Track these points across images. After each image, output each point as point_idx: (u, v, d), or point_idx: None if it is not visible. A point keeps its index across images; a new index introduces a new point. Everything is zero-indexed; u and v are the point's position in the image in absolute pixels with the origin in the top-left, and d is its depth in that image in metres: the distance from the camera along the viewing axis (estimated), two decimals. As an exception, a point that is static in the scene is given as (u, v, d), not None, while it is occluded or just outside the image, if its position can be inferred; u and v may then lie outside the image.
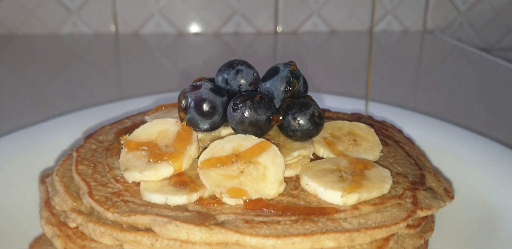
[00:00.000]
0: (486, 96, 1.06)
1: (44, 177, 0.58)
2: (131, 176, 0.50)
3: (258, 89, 0.56)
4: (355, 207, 0.47)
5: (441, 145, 0.68)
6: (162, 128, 0.55)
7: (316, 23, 1.52)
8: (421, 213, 0.48)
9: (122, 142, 0.54)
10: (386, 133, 0.65)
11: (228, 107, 0.53)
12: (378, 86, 1.07)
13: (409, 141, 0.66)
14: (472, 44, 1.55)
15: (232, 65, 0.56)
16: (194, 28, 1.50)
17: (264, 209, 0.46)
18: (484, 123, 0.82)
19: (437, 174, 0.59)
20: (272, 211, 0.46)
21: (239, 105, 0.51)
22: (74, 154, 0.56)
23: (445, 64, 1.34)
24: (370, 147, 0.56)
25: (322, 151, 0.55)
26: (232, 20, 1.49)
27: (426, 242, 0.52)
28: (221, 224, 0.44)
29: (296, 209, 0.46)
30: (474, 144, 0.67)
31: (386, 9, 1.53)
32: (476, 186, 0.60)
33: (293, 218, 0.45)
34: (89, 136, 0.61)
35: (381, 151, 0.57)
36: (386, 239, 0.45)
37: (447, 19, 1.56)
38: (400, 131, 0.68)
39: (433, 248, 0.52)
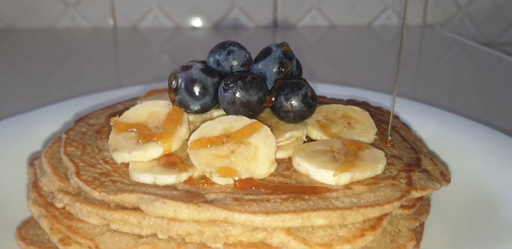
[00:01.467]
0: (486, 91, 1.05)
1: (33, 159, 0.57)
2: (120, 157, 0.49)
3: (251, 70, 0.55)
4: (347, 186, 0.46)
5: (437, 130, 0.67)
6: (153, 109, 0.54)
7: (315, 17, 1.51)
8: (415, 193, 0.47)
9: (112, 123, 0.53)
10: (382, 118, 0.64)
11: (219, 88, 0.52)
12: (378, 81, 1.06)
13: (406, 126, 0.65)
14: (472, 39, 1.53)
15: (224, 46, 0.55)
16: (193, 22, 1.49)
17: (253, 188, 0.45)
18: (485, 118, 0.81)
19: (433, 158, 0.58)
20: (263, 190, 0.45)
21: (230, 86, 0.50)
22: (63, 136, 0.56)
23: (445, 59, 1.33)
24: (365, 130, 0.55)
25: (316, 133, 0.54)
26: (231, 14, 1.48)
27: (422, 225, 0.51)
28: (210, 202, 0.43)
29: (287, 188, 0.45)
30: (471, 130, 0.66)
31: (385, 3, 1.52)
32: (473, 171, 0.59)
33: (283, 196, 0.44)
34: (80, 119, 0.60)
35: (376, 134, 0.56)
36: (379, 219, 0.44)
37: (447, 13, 1.55)
38: (396, 117, 0.67)
39: (429, 230, 0.51)
